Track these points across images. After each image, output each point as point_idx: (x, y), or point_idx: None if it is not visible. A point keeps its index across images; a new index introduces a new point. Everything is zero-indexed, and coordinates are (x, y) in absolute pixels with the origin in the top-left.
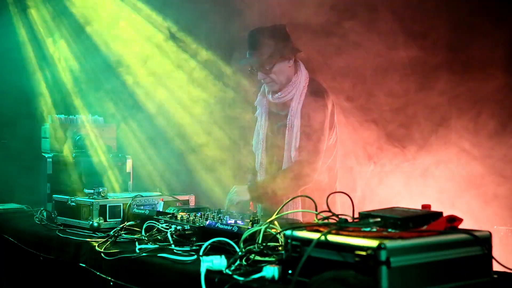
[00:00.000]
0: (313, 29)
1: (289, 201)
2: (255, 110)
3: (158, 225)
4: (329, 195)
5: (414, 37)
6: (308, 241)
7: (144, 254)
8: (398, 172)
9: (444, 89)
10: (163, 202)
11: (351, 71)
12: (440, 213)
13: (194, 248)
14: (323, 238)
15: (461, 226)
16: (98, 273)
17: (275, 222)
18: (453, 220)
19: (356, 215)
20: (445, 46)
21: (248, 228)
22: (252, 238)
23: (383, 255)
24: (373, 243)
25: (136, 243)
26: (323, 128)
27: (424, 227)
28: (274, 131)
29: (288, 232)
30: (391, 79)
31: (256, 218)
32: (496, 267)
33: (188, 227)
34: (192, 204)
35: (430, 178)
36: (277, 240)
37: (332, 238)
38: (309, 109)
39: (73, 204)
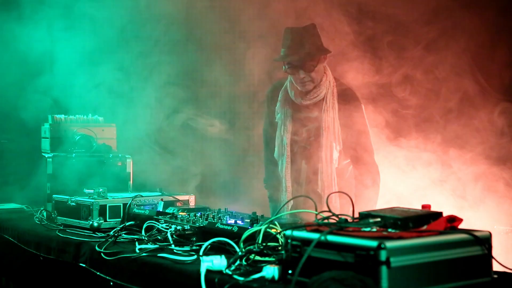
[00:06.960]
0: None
1: (289, 201)
2: None
3: (158, 225)
4: (329, 194)
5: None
6: (308, 241)
7: (144, 254)
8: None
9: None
10: (163, 202)
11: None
12: (440, 213)
13: (194, 248)
14: (323, 238)
15: (461, 226)
16: (98, 273)
17: (275, 222)
18: (453, 220)
19: (356, 215)
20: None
21: (248, 228)
22: (252, 238)
23: (383, 255)
24: (373, 243)
25: (136, 243)
26: (366, 125)
27: (424, 227)
28: (303, 134)
29: (288, 232)
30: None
31: (256, 218)
32: (496, 267)
33: (188, 227)
34: (192, 204)
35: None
36: (277, 240)
37: (332, 238)
38: (349, 109)
39: (73, 204)
